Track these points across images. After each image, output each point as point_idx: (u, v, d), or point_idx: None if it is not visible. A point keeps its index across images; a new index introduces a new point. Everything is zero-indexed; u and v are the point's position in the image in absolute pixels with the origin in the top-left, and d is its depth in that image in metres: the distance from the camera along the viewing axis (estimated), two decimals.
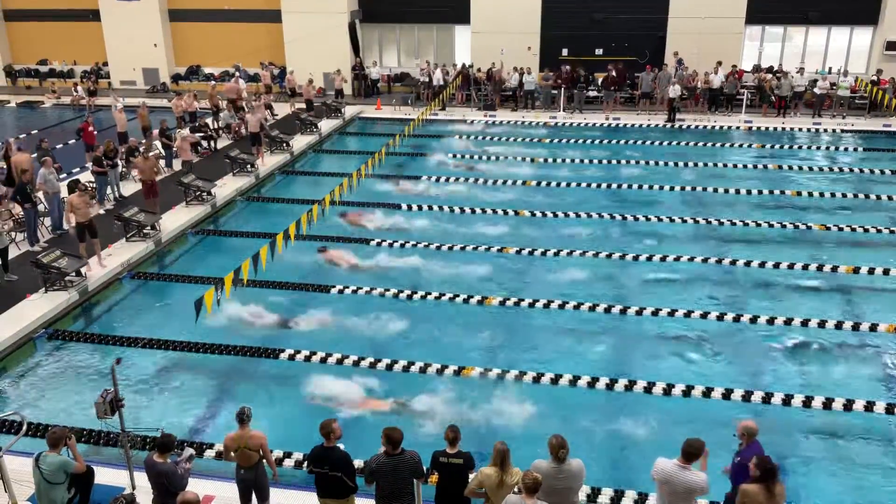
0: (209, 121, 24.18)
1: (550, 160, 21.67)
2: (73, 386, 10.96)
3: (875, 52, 27.37)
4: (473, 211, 17.58)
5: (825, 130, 24.36)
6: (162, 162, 20.36)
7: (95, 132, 21.22)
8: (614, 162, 21.18)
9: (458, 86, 27.98)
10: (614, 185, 19.06)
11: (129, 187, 18.70)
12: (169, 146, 20.58)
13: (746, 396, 10.19)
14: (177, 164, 20.29)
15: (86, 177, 18.42)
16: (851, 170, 20.54)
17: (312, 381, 10.88)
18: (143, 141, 21.08)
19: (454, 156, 22.18)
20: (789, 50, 28.44)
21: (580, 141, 23.47)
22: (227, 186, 19.07)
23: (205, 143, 22.43)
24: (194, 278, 14.10)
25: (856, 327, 11.99)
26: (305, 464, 8.06)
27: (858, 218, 16.73)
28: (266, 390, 10.79)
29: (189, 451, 7.81)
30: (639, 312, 12.50)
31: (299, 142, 23.22)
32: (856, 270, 13.95)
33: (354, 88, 30.01)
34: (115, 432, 8.58)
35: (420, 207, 17.75)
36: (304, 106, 26.81)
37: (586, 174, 20.14)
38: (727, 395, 10.21)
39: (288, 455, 9.05)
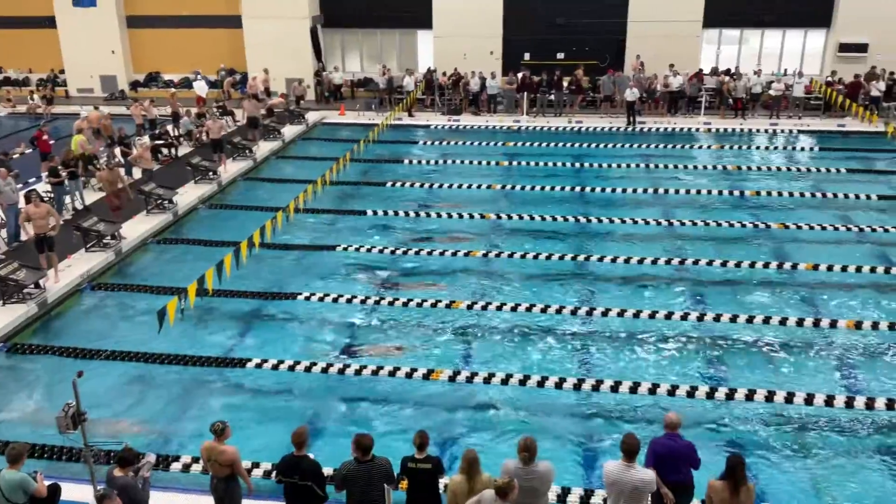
0: (170, 128, 23.88)
1: (515, 163, 21.79)
2: (34, 400, 10.72)
3: (829, 53, 28.03)
4: (439, 215, 17.59)
5: (782, 131, 24.87)
6: (121, 170, 20.04)
7: (52, 141, 20.86)
8: (577, 165, 21.36)
9: (422, 90, 27.99)
10: (577, 188, 19.21)
11: (91, 197, 18.36)
12: (127, 154, 20.27)
13: (710, 394, 10.33)
14: (137, 173, 19.99)
15: (43, 187, 18.03)
16: (808, 169, 20.99)
17: (279, 389, 10.84)
18: (103, 149, 20.78)
19: (419, 161, 22.21)
20: (746, 52, 29.02)
21: (544, 144, 23.62)
22: (189, 194, 18.84)
23: (165, 151, 22.14)
24: (157, 288, 13.89)
25: (816, 324, 12.23)
26: (274, 473, 7.98)
27: (816, 216, 17.09)
28: (232, 400, 10.67)
29: (149, 457, 7.69)
30: (604, 314, 12.61)
31: (262, 148, 23.04)
32: (815, 267, 14.25)
33: (317, 94, 29.86)
34: (77, 447, 8.41)
35: (385, 213, 17.71)
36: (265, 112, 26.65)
37: (550, 176, 20.28)
38: (692, 392, 10.33)
39: (256, 465, 8.95)
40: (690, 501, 7.45)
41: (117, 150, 20.89)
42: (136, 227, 16.58)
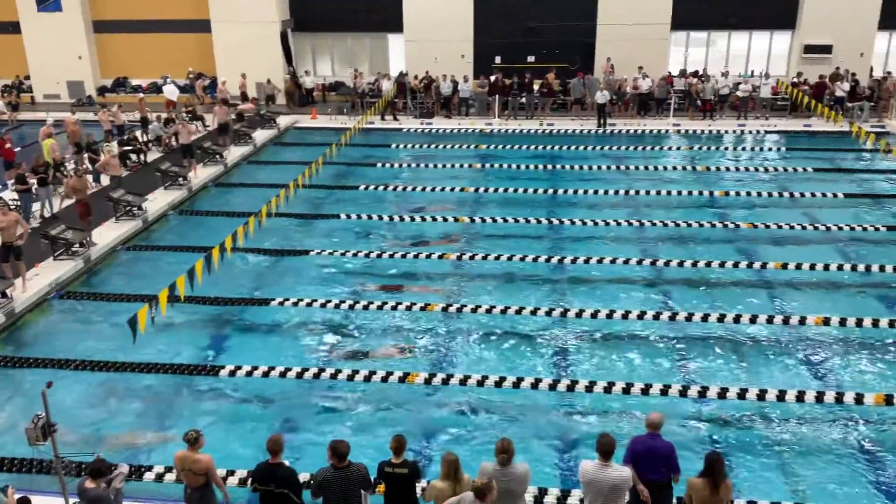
0: (138, 133, 23.60)
1: (487, 166, 21.86)
2: (3, 412, 10.52)
3: (794, 55, 28.52)
4: (413, 218, 17.57)
5: (750, 132, 25.25)
6: (89, 177, 19.78)
7: (16, 149, 20.50)
8: (549, 167, 21.49)
9: (394, 94, 27.95)
10: (550, 190, 19.33)
11: (59, 204, 18.05)
12: (95, 160, 20.00)
13: (684, 392, 10.43)
14: (105, 179, 19.72)
15: (9, 195, 17.69)
16: (776, 169, 21.33)
17: (253, 396, 10.75)
18: (67, 156, 20.47)
19: (391, 164, 22.21)
20: (714, 54, 29.44)
21: (516, 146, 23.74)
22: (159, 200, 18.63)
23: (134, 157, 21.86)
24: (127, 296, 13.69)
25: (786, 321, 12.40)
26: (250, 481, 7.91)
27: (784, 215, 17.37)
28: (205, 408, 10.56)
29: (122, 468, 7.59)
30: (578, 314, 12.69)
31: (233, 153, 22.86)
32: (784, 266, 14.45)
33: (294, 99, 29.65)
34: (48, 459, 8.28)
35: (359, 216, 17.66)
36: (234, 117, 26.45)
37: (523, 179, 20.37)
38: (665, 391, 10.41)
39: (231, 473, 8.86)
40: (670, 501, 7.50)
41: (85, 157, 20.59)
42: (105, 235, 16.35)
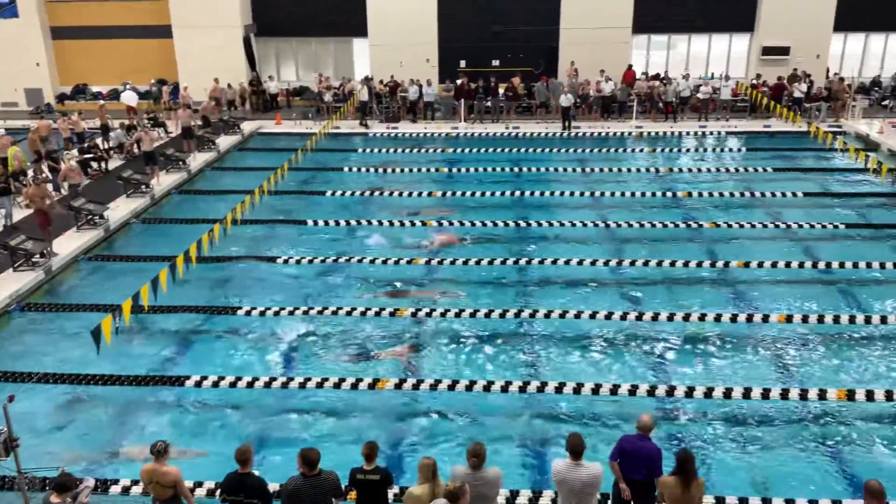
0: (99, 141, 23.22)
1: (454, 170, 21.91)
2: None
3: (753, 56, 29.05)
4: (381, 223, 17.53)
5: (711, 133, 25.65)
6: (49, 186, 19.40)
7: None
8: (516, 169, 21.61)
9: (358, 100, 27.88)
10: (517, 192, 19.44)
11: (18, 214, 17.69)
12: (56, 169, 19.63)
13: (651, 391, 10.55)
14: (66, 188, 19.36)
15: None
16: (737, 169, 21.70)
17: (221, 405, 10.64)
18: (28, 164, 20.08)
19: (358, 169, 22.15)
20: (674, 57, 29.86)
21: (482, 150, 23.86)
22: (121, 209, 18.35)
23: (95, 165, 21.51)
24: (90, 307, 13.45)
25: (749, 319, 12.61)
26: (219, 492, 7.82)
27: (745, 214, 17.68)
28: (172, 419, 10.42)
29: (87, 482, 7.46)
30: (547, 315, 12.76)
31: (197, 159, 22.61)
32: (746, 264, 14.69)
33: (252, 103, 29.44)
34: (11, 475, 8.10)
35: (326, 222, 17.57)
36: (200, 123, 26.15)
37: (490, 182, 20.46)
38: (633, 391, 10.52)
39: (199, 484, 8.75)
40: (652, 500, 7.56)
41: (45, 165, 20.21)
42: (66, 244, 16.04)
